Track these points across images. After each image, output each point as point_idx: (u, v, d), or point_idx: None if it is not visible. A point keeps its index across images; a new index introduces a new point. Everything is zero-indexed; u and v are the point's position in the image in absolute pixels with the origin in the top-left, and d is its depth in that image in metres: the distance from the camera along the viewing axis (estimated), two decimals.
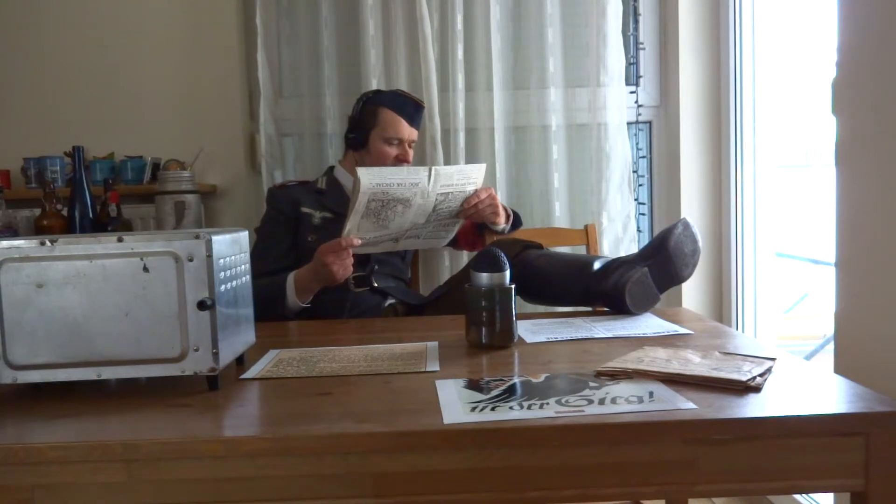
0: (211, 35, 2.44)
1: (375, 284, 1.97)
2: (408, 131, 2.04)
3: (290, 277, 1.82)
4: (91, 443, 0.86)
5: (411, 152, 2.07)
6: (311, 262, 1.78)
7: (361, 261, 1.89)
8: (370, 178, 1.68)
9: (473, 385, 1.04)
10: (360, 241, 1.74)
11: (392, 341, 1.39)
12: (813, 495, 1.88)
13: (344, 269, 1.73)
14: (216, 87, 2.45)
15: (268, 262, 1.93)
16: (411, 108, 2.05)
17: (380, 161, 2.01)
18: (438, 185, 1.78)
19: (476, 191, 1.89)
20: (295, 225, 2.02)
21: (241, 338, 1.19)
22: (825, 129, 1.49)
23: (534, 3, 2.40)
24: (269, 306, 1.75)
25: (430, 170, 1.76)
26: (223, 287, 1.09)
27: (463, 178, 1.84)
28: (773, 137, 2.27)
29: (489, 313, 1.28)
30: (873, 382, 1.14)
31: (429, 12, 2.34)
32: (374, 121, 2.02)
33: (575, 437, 0.87)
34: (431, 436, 0.86)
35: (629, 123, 2.45)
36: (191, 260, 1.04)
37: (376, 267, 1.98)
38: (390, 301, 1.99)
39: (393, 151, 2.02)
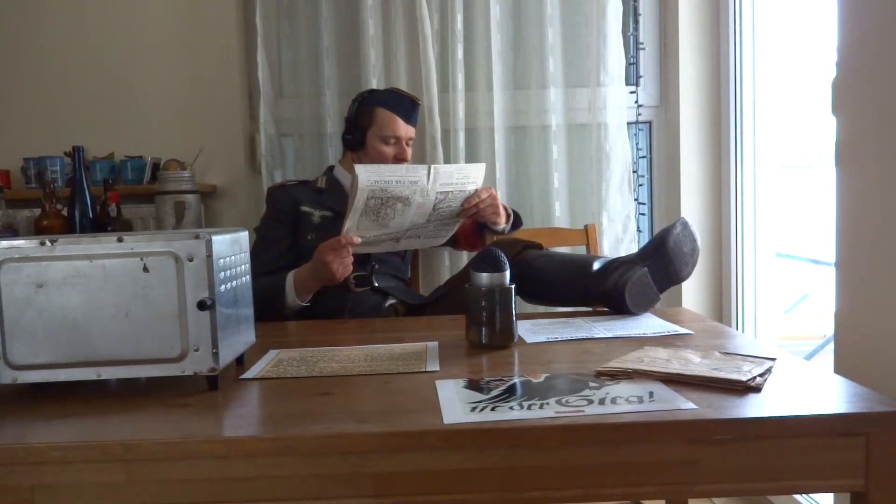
0: (211, 35, 2.44)
1: (376, 284, 1.97)
2: (404, 129, 2.04)
3: (290, 276, 1.82)
4: (91, 443, 0.86)
5: (409, 150, 2.07)
6: (310, 260, 1.78)
7: (361, 260, 1.89)
8: (368, 175, 1.68)
9: (473, 385, 1.04)
10: (359, 240, 1.74)
11: (392, 341, 1.39)
12: (813, 495, 1.88)
13: (343, 267, 1.73)
14: (216, 87, 2.45)
15: (267, 261, 1.93)
16: (407, 106, 2.05)
17: (378, 160, 2.01)
18: (438, 184, 1.78)
19: (476, 190, 1.89)
20: (294, 224, 2.01)
21: (241, 338, 1.19)
22: (825, 129, 1.49)
23: (534, 3, 2.40)
24: (268, 305, 1.75)
25: (429, 168, 1.76)
26: (223, 287, 1.09)
27: (463, 178, 1.84)
28: (773, 137, 2.27)
29: (489, 313, 1.28)
30: (873, 382, 1.14)
31: (429, 12, 2.34)
32: (371, 120, 2.02)
33: (575, 437, 0.87)
34: (431, 436, 0.86)
35: (629, 123, 2.45)
36: (191, 260, 1.04)
37: (376, 266, 1.98)
38: (390, 301, 1.99)
39: (391, 150, 2.02)
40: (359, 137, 2.04)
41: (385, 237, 1.84)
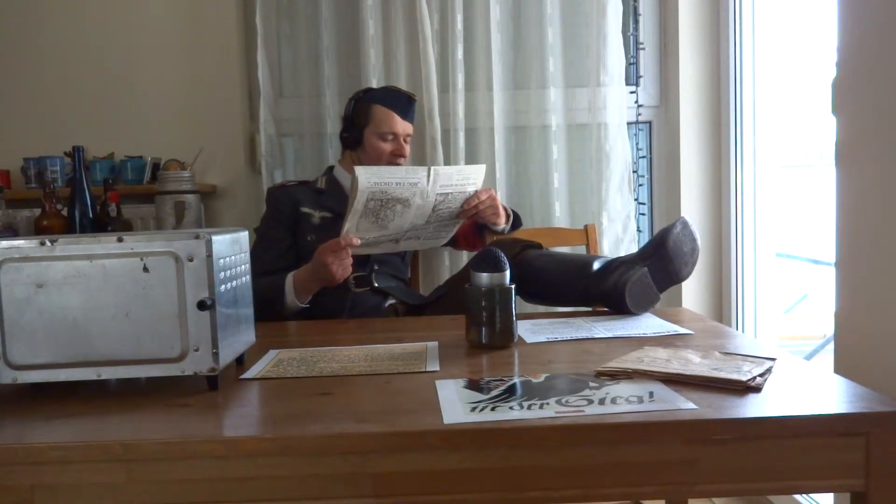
0: (211, 35, 2.44)
1: (376, 284, 1.97)
2: (401, 126, 2.03)
3: (289, 277, 1.82)
4: (91, 443, 0.86)
5: (407, 147, 2.07)
6: (310, 261, 1.78)
7: (361, 261, 1.89)
8: (368, 177, 1.68)
9: (473, 385, 1.04)
10: (359, 241, 1.74)
11: (392, 341, 1.39)
12: (813, 495, 1.88)
13: (343, 269, 1.73)
14: (216, 87, 2.45)
15: (267, 261, 1.93)
16: (403, 103, 2.05)
17: (376, 158, 2.01)
18: (438, 186, 1.78)
19: (476, 191, 1.89)
20: (294, 225, 2.01)
21: (241, 338, 1.19)
22: (825, 129, 1.49)
23: (534, 3, 2.40)
24: (268, 306, 1.75)
25: (429, 170, 1.76)
26: (223, 287, 1.09)
27: (462, 179, 1.84)
28: (773, 137, 2.27)
29: (489, 313, 1.28)
30: (873, 382, 1.14)
31: (429, 12, 2.34)
32: (367, 118, 2.02)
33: (575, 437, 0.87)
34: (431, 436, 0.86)
35: (629, 123, 2.45)
36: (191, 260, 1.04)
37: (376, 267, 1.98)
38: (390, 301, 1.99)
39: (388, 147, 2.02)
40: (356, 135, 2.04)
41: (384, 238, 1.84)
